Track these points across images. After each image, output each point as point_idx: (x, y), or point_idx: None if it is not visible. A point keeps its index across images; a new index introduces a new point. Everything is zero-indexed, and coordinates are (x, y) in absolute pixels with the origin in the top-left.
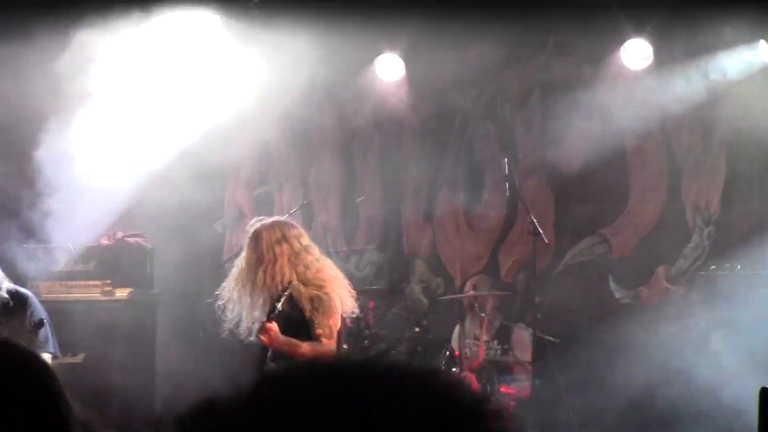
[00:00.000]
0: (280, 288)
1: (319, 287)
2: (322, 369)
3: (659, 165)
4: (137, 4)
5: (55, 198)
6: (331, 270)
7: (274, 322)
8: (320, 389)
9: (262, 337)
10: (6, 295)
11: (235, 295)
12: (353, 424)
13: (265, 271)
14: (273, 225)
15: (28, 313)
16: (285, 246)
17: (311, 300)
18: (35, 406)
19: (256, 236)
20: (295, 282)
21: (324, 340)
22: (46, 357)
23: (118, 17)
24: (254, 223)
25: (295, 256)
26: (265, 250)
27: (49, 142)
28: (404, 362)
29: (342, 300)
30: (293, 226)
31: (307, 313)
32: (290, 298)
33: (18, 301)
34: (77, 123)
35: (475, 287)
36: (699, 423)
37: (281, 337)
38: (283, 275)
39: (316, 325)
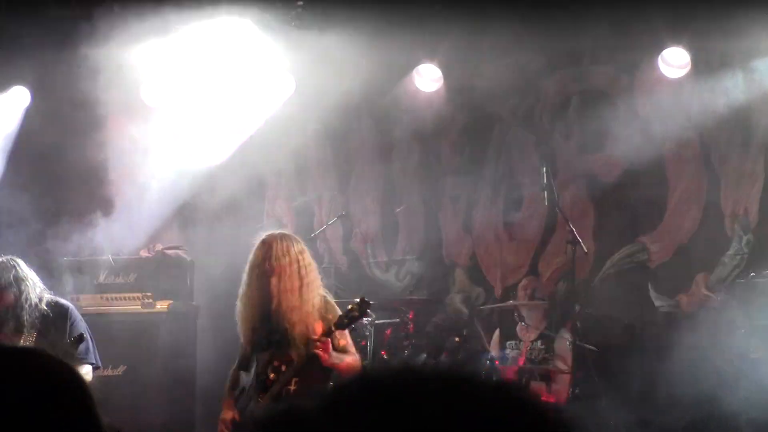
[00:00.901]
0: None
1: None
2: (400, 375)
3: (697, 173)
4: (179, 13)
5: (96, 211)
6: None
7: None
8: (400, 394)
9: (319, 352)
10: (45, 308)
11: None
12: (436, 429)
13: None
14: (289, 237)
15: (68, 325)
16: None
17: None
18: (68, 418)
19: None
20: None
21: (351, 350)
22: (88, 368)
23: (162, 27)
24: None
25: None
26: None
27: (95, 155)
28: (478, 372)
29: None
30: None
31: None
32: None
33: (58, 313)
34: (122, 136)
35: (529, 294)
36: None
37: (333, 353)
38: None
39: (339, 336)
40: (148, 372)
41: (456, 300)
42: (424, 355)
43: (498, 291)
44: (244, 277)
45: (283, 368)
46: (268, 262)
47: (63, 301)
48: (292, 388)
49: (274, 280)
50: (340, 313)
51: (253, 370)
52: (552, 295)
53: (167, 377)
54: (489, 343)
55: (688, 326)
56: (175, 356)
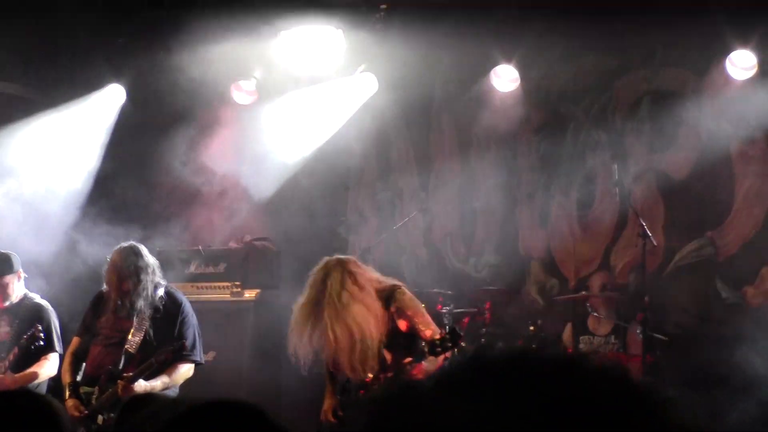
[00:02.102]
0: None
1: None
2: (514, 356)
3: (763, 171)
4: (267, 21)
5: (187, 203)
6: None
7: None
8: (515, 375)
9: (417, 373)
10: (159, 300)
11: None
12: (551, 410)
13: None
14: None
15: (179, 320)
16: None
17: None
18: None
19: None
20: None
21: (434, 330)
22: (190, 366)
23: (250, 33)
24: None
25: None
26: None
27: (187, 150)
28: (585, 355)
29: None
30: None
31: (407, 326)
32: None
33: (170, 307)
34: (214, 131)
35: (601, 285)
36: None
37: (424, 364)
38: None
39: (422, 327)
40: (236, 358)
41: (531, 291)
42: (501, 344)
43: (572, 283)
44: (303, 304)
45: (381, 375)
46: (324, 299)
47: (178, 294)
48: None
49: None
50: (416, 303)
51: None
52: (623, 287)
53: (255, 363)
54: (563, 333)
55: (754, 318)
56: (262, 343)
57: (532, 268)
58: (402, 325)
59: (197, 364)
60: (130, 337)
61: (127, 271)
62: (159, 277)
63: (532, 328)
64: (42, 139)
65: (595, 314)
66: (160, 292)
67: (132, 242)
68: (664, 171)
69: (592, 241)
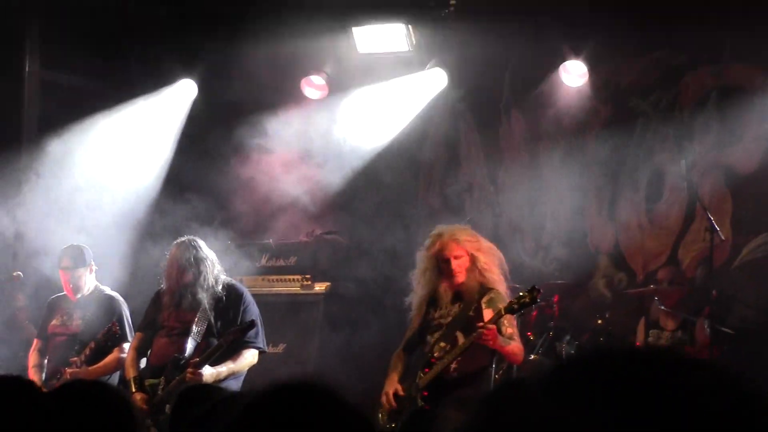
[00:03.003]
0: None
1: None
2: (622, 356)
3: None
4: (338, 18)
5: (258, 197)
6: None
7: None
8: (625, 376)
9: (484, 338)
10: (221, 290)
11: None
12: (657, 412)
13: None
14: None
15: (241, 310)
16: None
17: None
18: None
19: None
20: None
21: (516, 338)
22: (254, 351)
23: (321, 29)
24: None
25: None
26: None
27: (258, 145)
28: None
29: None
30: None
31: (492, 309)
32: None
33: (232, 296)
34: (285, 126)
35: (669, 279)
36: None
37: (498, 338)
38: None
39: (506, 324)
40: (305, 351)
41: (599, 284)
42: (568, 337)
43: (640, 276)
44: (421, 264)
45: (448, 348)
46: (453, 262)
47: (238, 285)
48: (453, 366)
49: (458, 279)
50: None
51: (420, 351)
52: (691, 281)
53: (324, 356)
54: (634, 328)
55: None
56: (331, 336)
57: (600, 261)
58: (487, 314)
59: (261, 352)
60: (193, 327)
61: (186, 264)
62: (219, 270)
63: (599, 321)
64: (114, 133)
65: (663, 307)
66: (221, 283)
67: (190, 236)
68: (731, 166)
69: (660, 235)
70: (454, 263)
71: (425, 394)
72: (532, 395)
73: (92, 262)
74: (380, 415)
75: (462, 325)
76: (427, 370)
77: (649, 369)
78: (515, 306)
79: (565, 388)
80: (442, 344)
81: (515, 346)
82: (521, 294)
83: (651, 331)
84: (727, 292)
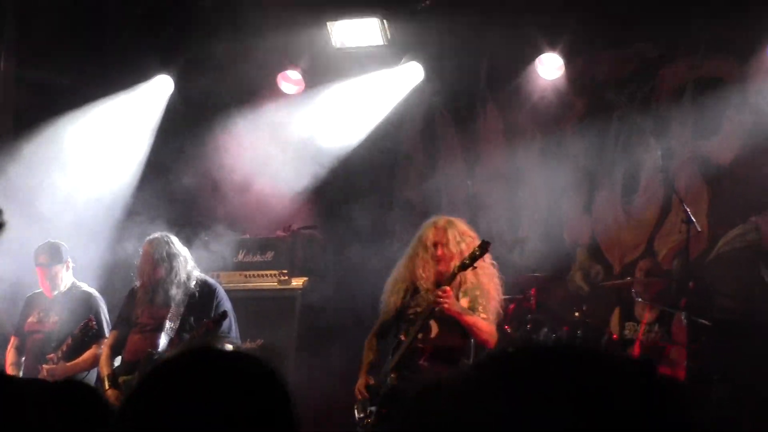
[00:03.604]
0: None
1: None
2: (542, 352)
3: None
4: (313, 12)
5: (233, 192)
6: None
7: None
8: (545, 371)
9: (440, 299)
10: (193, 286)
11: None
12: (578, 408)
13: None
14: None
15: (214, 304)
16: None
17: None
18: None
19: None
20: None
21: (490, 322)
22: (229, 346)
23: (296, 23)
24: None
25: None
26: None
27: (233, 140)
28: (617, 353)
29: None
30: None
31: (468, 300)
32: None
33: (205, 292)
34: (262, 121)
35: (646, 271)
36: None
37: (456, 302)
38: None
39: (480, 310)
40: (283, 346)
41: (576, 277)
42: (546, 330)
43: (617, 269)
44: (408, 253)
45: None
46: (440, 247)
47: (211, 280)
48: (424, 347)
49: (441, 267)
50: (493, 304)
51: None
52: (668, 273)
53: (302, 351)
54: (609, 320)
55: None
56: (309, 331)
57: (577, 254)
58: (463, 302)
59: (235, 345)
60: (167, 323)
61: (159, 259)
62: (191, 265)
63: (577, 314)
64: (90, 129)
65: (640, 300)
66: (194, 278)
67: (162, 232)
68: (708, 157)
69: (637, 228)
70: (441, 249)
71: (393, 375)
72: (451, 395)
73: (69, 259)
74: (355, 410)
75: (441, 315)
76: (395, 353)
77: (560, 366)
78: (467, 261)
79: (479, 388)
80: (410, 327)
81: (480, 321)
82: (473, 249)
83: (627, 324)
84: (705, 283)
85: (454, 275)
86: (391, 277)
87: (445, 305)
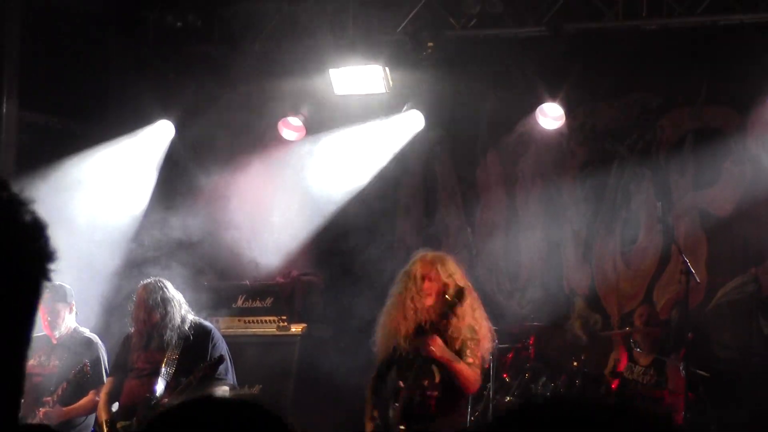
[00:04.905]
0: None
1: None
2: (559, 405)
3: None
4: (315, 58)
5: (235, 238)
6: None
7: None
8: (574, 426)
9: (431, 345)
10: (188, 329)
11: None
12: None
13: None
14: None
15: (210, 347)
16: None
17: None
18: None
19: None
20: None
21: (475, 368)
22: (226, 388)
23: (298, 69)
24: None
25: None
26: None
27: (235, 186)
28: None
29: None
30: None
31: (458, 343)
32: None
33: (200, 334)
34: (262, 167)
35: (644, 318)
36: None
37: (445, 349)
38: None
39: (468, 354)
40: (281, 392)
41: (575, 326)
42: (544, 379)
43: (615, 318)
44: (396, 288)
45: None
46: (427, 281)
47: (206, 323)
48: (430, 397)
49: (428, 301)
50: (483, 344)
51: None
52: (666, 323)
53: (300, 398)
54: (606, 368)
55: None
56: (307, 378)
57: (575, 303)
58: (457, 343)
59: (232, 388)
60: (163, 367)
61: (153, 304)
62: (186, 309)
63: (575, 363)
64: (92, 173)
65: (638, 350)
66: (189, 322)
67: (156, 277)
68: (707, 208)
69: (635, 277)
70: (428, 282)
71: (403, 427)
72: None
73: (73, 302)
74: None
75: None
76: (394, 404)
77: (590, 421)
78: (446, 309)
79: None
80: (407, 372)
81: (465, 369)
82: (452, 297)
83: (627, 365)
84: (703, 334)
85: (441, 318)
86: (383, 316)
87: (433, 352)
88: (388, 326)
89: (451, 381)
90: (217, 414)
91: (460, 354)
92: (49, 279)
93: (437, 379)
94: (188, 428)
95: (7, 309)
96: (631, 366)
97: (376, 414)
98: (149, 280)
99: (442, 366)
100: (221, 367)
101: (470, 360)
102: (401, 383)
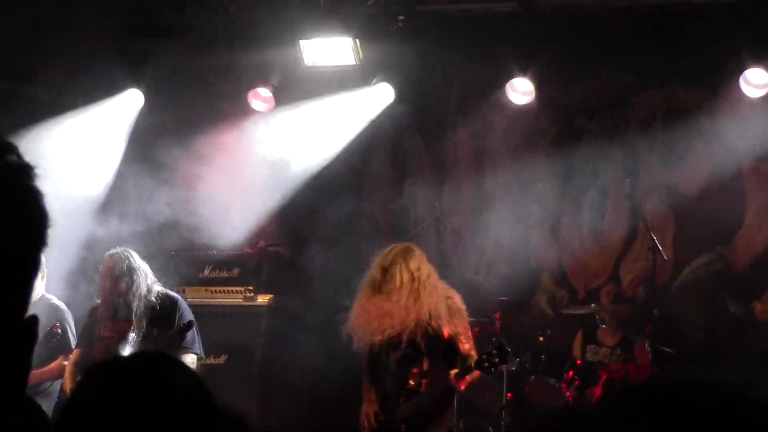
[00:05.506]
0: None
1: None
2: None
3: None
4: (286, 29)
5: (202, 208)
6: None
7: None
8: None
9: (461, 386)
10: (155, 299)
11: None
12: None
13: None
14: (410, 253)
15: (177, 316)
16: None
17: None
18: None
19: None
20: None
21: (473, 352)
22: (193, 357)
23: (269, 40)
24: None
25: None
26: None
27: (203, 156)
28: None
29: None
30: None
31: (449, 331)
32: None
33: (167, 305)
34: (231, 137)
35: (611, 297)
36: None
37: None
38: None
39: (464, 341)
40: (247, 362)
41: (541, 301)
42: (509, 352)
43: (581, 294)
44: (363, 288)
45: (423, 381)
46: (385, 278)
47: (172, 293)
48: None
49: (394, 297)
50: (464, 315)
51: (387, 371)
52: (632, 300)
53: (266, 368)
54: (572, 344)
55: (763, 333)
56: (274, 348)
57: (542, 279)
58: (445, 331)
59: (199, 358)
60: (130, 335)
61: (120, 274)
62: (152, 279)
63: (541, 338)
64: (59, 142)
65: (604, 326)
66: (155, 292)
67: (122, 247)
68: (675, 186)
69: (603, 254)
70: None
71: (404, 427)
72: (590, 422)
73: (44, 269)
74: None
75: (429, 348)
76: (403, 399)
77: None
78: (485, 364)
79: (627, 418)
80: (414, 369)
81: (474, 373)
82: (490, 351)
83: (588, 347)
84: (669, 311)
85: (469, 370)
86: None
87: (461, 389)
88: (373, 324)
89: (440, 371)
90: (160, 369)
91: (455, 340)
92: (47, 244)
93: (426, 367)
94: (128, 374)
95: (15, 272)
96: (595, 348)
97: (373, 396)
98: (115, 250)
99: (433, 355)
100: (188, 336)
101: (467, 347)
102: (411, 382)
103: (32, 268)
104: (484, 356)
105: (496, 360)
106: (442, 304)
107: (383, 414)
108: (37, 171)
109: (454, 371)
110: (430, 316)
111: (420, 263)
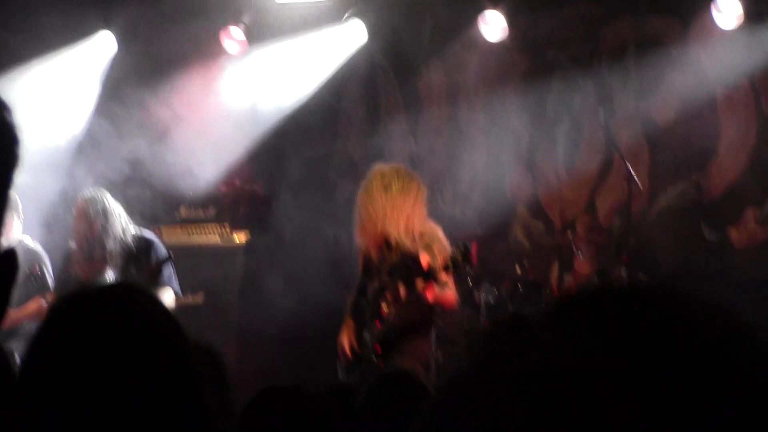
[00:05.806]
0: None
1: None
2: (625, 293)
3: (748, 115)
4: None
5: (178, 148)
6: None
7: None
8: (631, 312)
9: (425, 295)
10: (130, 241)
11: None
12: (663, 350)
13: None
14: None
15: (152, 256)
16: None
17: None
18: (161, 349)
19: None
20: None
21: (451, 285)
22: (170, 292)
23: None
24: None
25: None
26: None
27: (177, 97)
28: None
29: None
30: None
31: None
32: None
33: (142, 245)
34: (205, 78)
35: (587, 227)
36: None
37: (437, 291)
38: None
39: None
40: (225, 300)
41: (517, 232)
42: (486, 284)
43: (557, 225)
44: (360, 207)
45: (393, 301)
46: (381, 196)
47: (147, 233)
48: (395, 316)
49: (387, 212)
50: (443, 242)
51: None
52: (608, 230)
53: (243, 306)
54: (549, 274)
55: (739, 259)
56: (251, 286)
57: (518, 210)
58: (423, 259)
59: (177, 296)
60: (106, 275)
61: (94, 215)
62: (126, 220)
63: (518, 269)
64: (30, 88)
65: (581, 256)
66: (129, 233)
67: (95, 188)
68: (649, 116)
69: (578, 185)
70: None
71: (377, 347)
72: (534, 330)
73: (21, 212)
74: (338, 368)
75: (403, 275)
76: (377, 322)
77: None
78: (449, 268)
79: (566, 323)
80: (387, 295)
81: (449, 294)
82: (455, 255)
83: (566, 275)
84: (645, 240)
85: (433, 274)
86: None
87: (430, 299)
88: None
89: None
90: (127, 298)
91: (433, 273)
92: (18, 164)
93: (402, 295)
94: (95, 303)
95: None
96: (569, 278)
97: (350, 323)
98: (89, 192)
99: (409, 280)
100: (165, 273)
101: (444, 278)
102: (383, 307)
103: (4, 185)
104: (449, 260)
105: (460, 259)
106: (429, 231)
107: (357, 340)
108: (10, 110)
109: (419, 280)
110: (414, 238)
111: (418, 190)
